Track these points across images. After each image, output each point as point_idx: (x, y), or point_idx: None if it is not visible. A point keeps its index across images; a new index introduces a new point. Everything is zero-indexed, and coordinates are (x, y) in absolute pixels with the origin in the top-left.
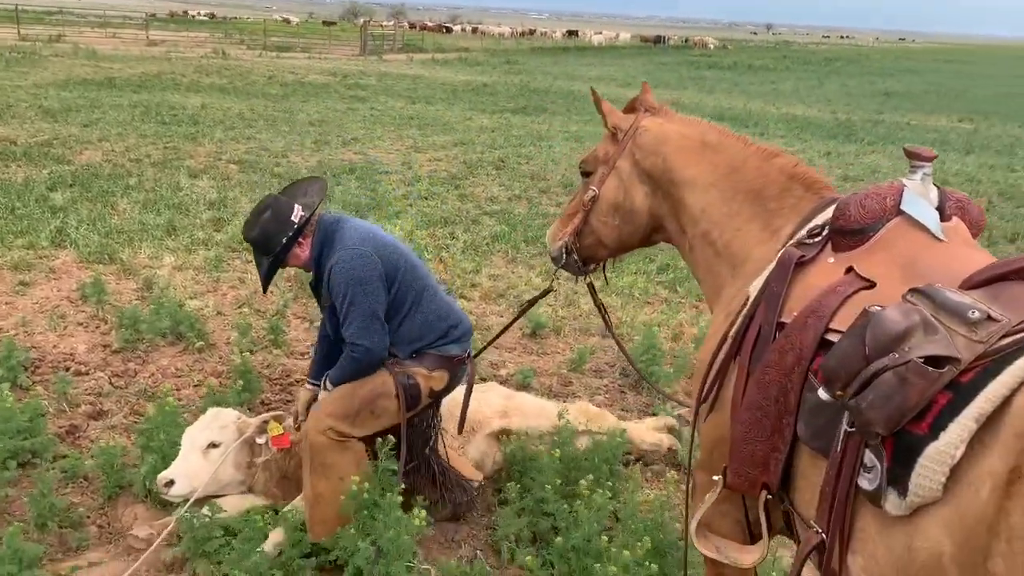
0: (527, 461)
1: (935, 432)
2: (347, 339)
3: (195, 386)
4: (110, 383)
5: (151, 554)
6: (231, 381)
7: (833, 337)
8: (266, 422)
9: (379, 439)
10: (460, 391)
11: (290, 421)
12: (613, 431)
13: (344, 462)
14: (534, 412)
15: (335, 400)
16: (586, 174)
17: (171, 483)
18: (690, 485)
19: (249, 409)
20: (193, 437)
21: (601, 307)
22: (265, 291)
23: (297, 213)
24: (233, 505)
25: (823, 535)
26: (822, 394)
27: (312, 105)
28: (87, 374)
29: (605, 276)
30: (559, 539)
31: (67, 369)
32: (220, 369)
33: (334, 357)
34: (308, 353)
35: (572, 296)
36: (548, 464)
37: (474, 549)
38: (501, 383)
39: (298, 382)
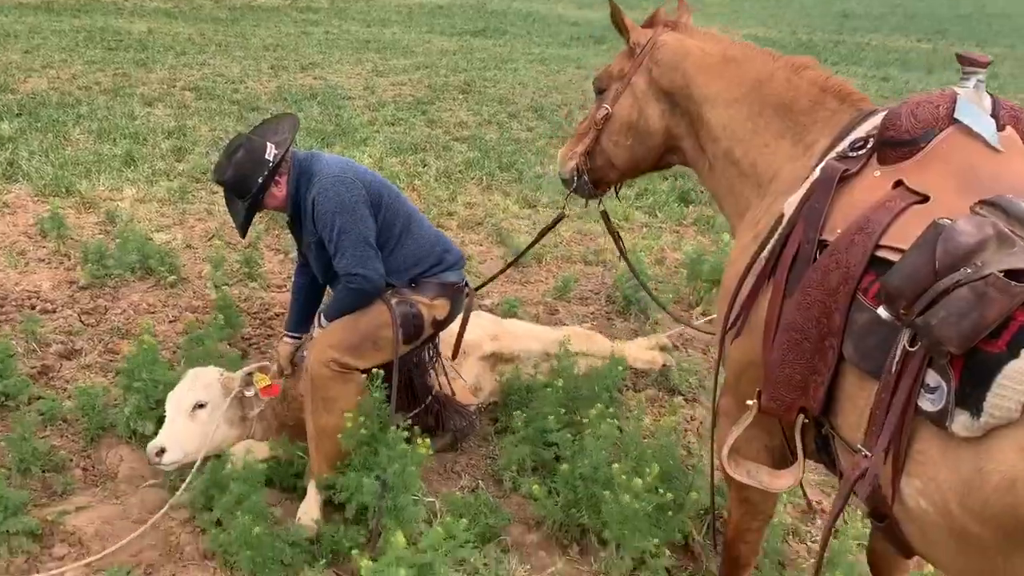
0: (524, 389)
1: (1014, 350)
2: (341, 271)
3: (171, 322)
4: (80, 321)
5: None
6: (209, 316)
7: (884, 255)
8: (250, 375)
9: (371, 372)
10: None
11: (275, 369)
12: (613, 357)
13: (347, 395)
14: (524, 335)
15: (336, 331)
16: (600, 92)
17: (162, 451)
18: (716, 409)
19: (230, 345)
20: (178, 400)
21: (615, 234)
22: (244, 235)
23: (271, 151)
24: (258, 449)
25: (872, 459)
26: (882, 313)
27: (264, 29)
28: (54, 312)
29: (617, 194)
30: (565, 467)
31: (33, 308)
32: (195, 304)
33: (312, 306)
34: (285, 286)
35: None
36: (550, 394)
37: (475, 479)
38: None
39: (278, 315)
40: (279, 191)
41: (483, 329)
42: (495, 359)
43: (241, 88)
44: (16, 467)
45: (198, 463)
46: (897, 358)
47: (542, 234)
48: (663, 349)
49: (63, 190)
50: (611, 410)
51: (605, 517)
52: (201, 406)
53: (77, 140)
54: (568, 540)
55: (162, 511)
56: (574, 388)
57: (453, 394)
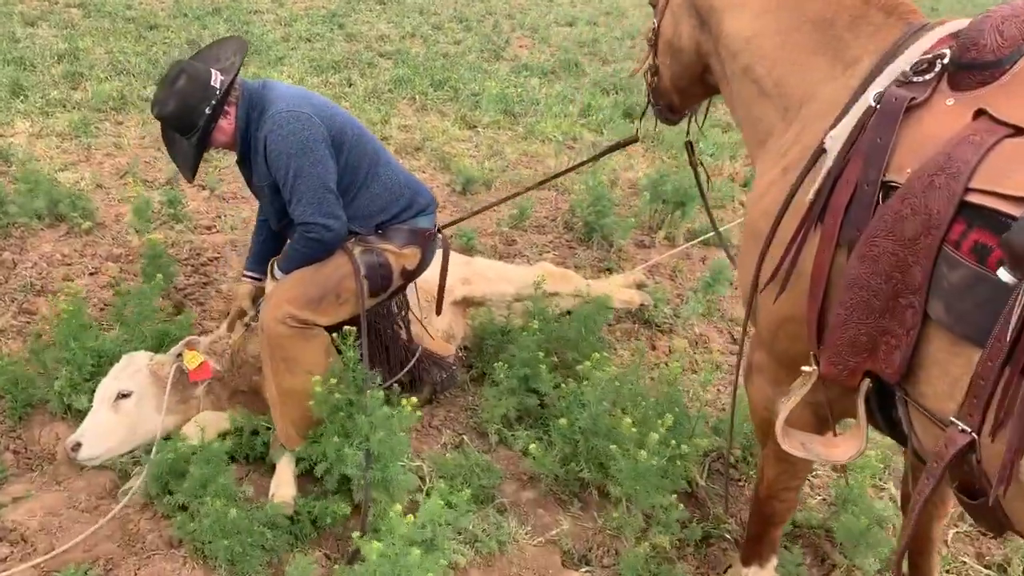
0: (499, 333)
1: None
2: (298, 219)
3: (91, 274)
4: None
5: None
6: (134, 265)
7: (979, 200)
8: (179, 355)
9: (342, 330)
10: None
11: (205, 341)
12: (597, 298)
13: (310, 353)
14: (497, 277)
15: (292, 284)
16: (653, 5)
17: (78, 446)
18: (748, 364)
19: (163, 298)
20: (103, 389)
21: (695, 169)
22: (192, 178)
23: (216, 78)
24: (211, 423)
25: (973, 434)
26: (1003, 276)
27: None
28: None
29: (697, 122)
30: (563, 421)
31: None
32: (116, 252)
33: (278, 242)
34: (215, 227)
35: (496, 146)
36: (530, 339)
37: (457, 434)
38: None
39: (212, 260)
40: (228, 124)
41: (453, 273)
42: (466, 303)
43: (134, 3)
44: None
45: (154, 451)
46: (1014, 324)
47: (603, 153)
48: (640, 286)
49: None
50: (605, 355)
51: (612, 472)
52: (125, 396)
53: None
54: (567, 496)
55: (122, 504)
56: (556, 331)
57: (428, 345)
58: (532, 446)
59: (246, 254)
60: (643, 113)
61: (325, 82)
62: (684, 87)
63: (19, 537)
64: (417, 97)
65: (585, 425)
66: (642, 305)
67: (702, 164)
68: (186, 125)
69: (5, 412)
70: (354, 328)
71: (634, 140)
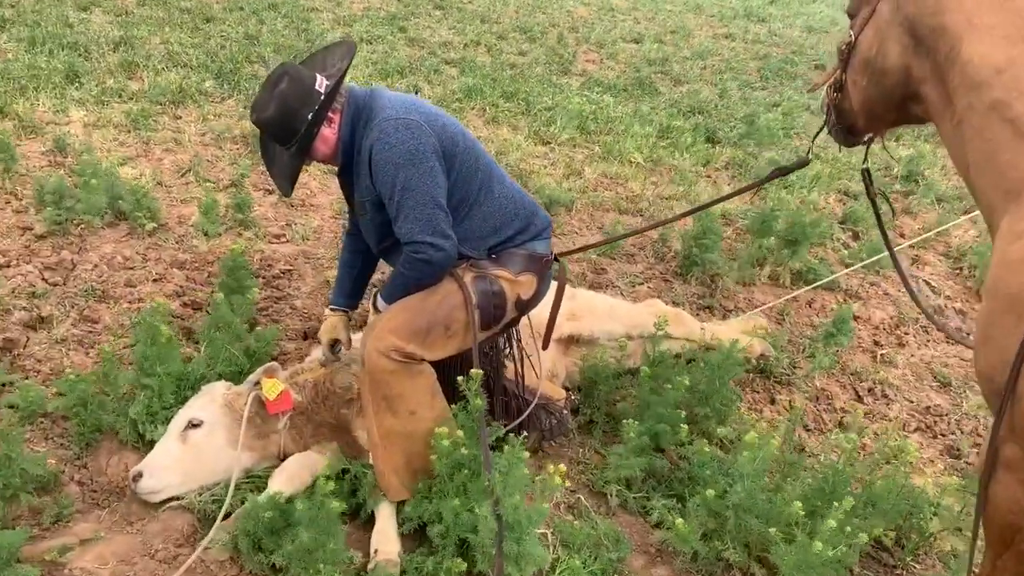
0: (612, 378)
1: None
2: (404, 238)
3: (155, 281)
4: (43, 279)
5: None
6: (199, 272)
7: None
8: (257, 383)
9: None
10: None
11: (283, 372)
12: (731, 346)
13: (415, 392)
14: (604, 313)
15: (397, 313)
16: (851, 16)
17: (139, 476)
18: (993, 458)
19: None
20: (177, 417)
21: (874, 202)
22: (290, 192)
23: (321, 82)
24: (292, 473)
25: None
26: None
27: None
28: (9, 267)
29: (866, 154)
30: (710, 492)
31: None
32: (182, 258)
33: (366, 279)
34: (284, 236)
35: (574, 164)
36: (670, 392)
37: (572, 492)
38: None
39: (284, 273)
40: (331, 133)
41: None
42: (570, 341)
43: None
44: (0, 494)
45: (231, 489)
46: None
47: (768, 179)
48: (758, 332)
49: None
50: (755, 417)
51: (772, 559)
52: (195, 426)
53: (4, 49)
54: None
55: (196, 553)
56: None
57: (536, 386)
58: (679, 522)
59: (320, 267)
60: (816, 134)
61: (390, 86)
62: (876, 112)
63: None
64: (488, 108)
65: (738, 500)
66: (762, 355)
67: (883, 195)
68: (286, 132)
69: (70, 437)
70: (480, 372)
71: (804, 164)
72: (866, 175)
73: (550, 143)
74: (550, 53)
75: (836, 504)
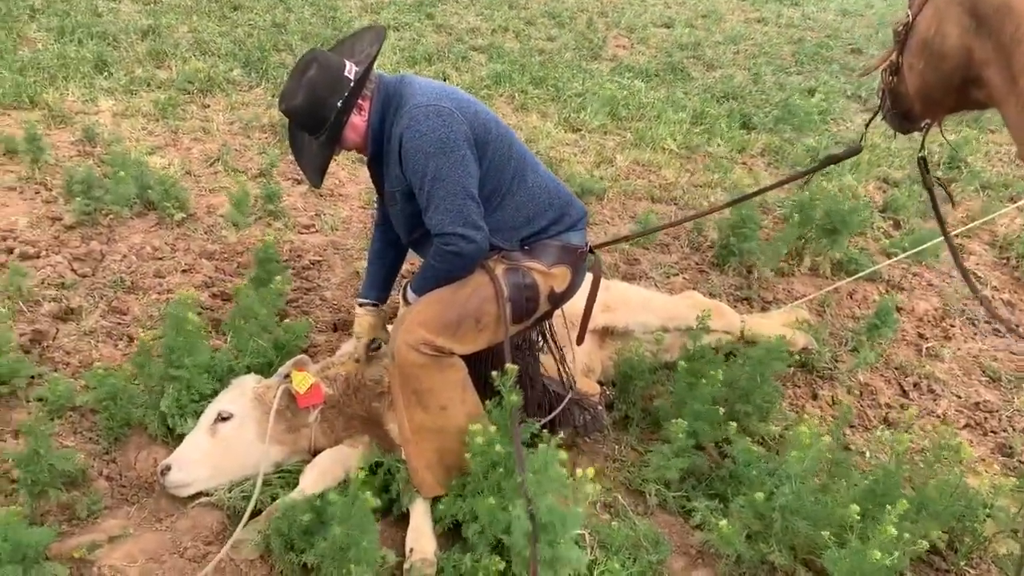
0: (648, 372)
1: None
2: (434, 229)
3: (184, 271)
4: (72, 270)
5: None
6: (228, 263)
7: None
8: (287, 376)
9: (507, 366)
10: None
11: (314, 366)
12: (775, 340)
13: (445, 386)
14: (640, 305)
15: (427, 305)
16: None
17: (167, 470)
18: None
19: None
20: (207, 410)
21: (930, 190)
22: (320, 182)
23: (351, 69)
24: (324, 469)
25: None
26: None
27: None
28: (38, 257)
29: (923, 142)
30: (759, 494)
31: (10, 251)
32: (211, 249)
33: (396, 268)
34: (314, 226)
35: (605, 152)
36: (707, 388)
37: (608, 491)
38: None
39: (313, 264)
40: (360, 121)
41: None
42: (605, 333)
43: None
44: (28, 490)
45: (258, 484)
46: None
47: (820, 167)
48: (801, 325)
49: (26, 100)
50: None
51: (825, 564)
52: (225, 419)
53: (34, 39)
54: None
55: (224, 550)
56: (726, 377)
57: (572, 382)
58: (723, 523)
59: (349, 258)
60: (871, 119)
61: (418, 73)
62: (934, 96)
63: None
64: (516, 95)
65: (786, 502)
66: (805, 349)
67: (940, 183)
68: (315, 120)
69: (99, 431)
70: (515, 367)
71: (857, 151)
72: (922, 163)
73: (580, 130)
74: (579, 38)
75: (890, 508)
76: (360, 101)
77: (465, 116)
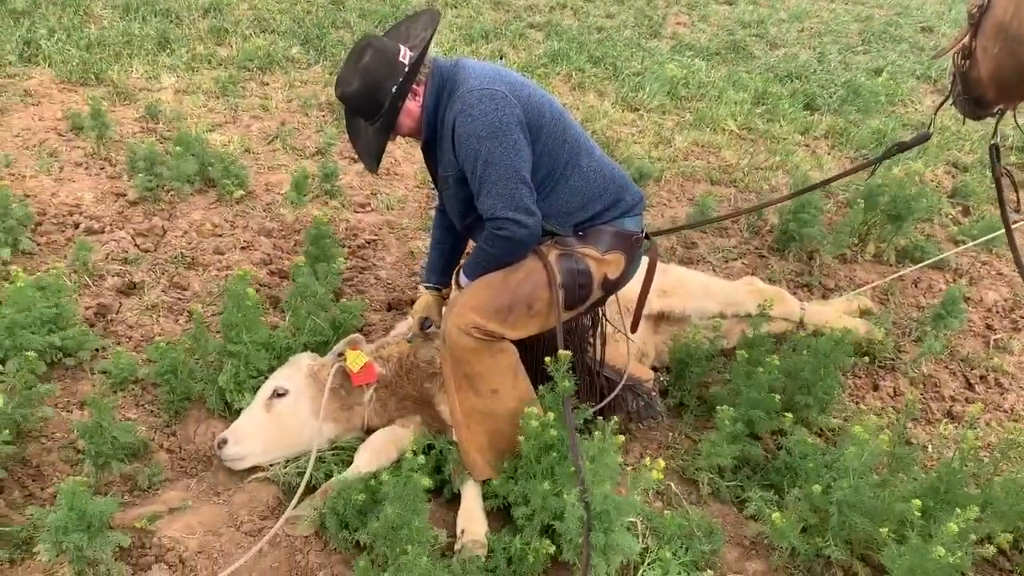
0: (705, 359)
1: None
2: (486, 214)
3: (243, 248)
4: (135, 245)
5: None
6: (287, 241)
7: None
8: (341, 354)
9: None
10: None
11: (368, 346)
12: (841, 331)
13: (496, 370)
14: (697, 290)
15: (479, 290)
16: None
17: (224, 443)
18: None
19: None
20: (265, 386)
21: (998, 180)
22: (375, 168)
23: (405, 54)
24: (377, 448)
25: None
26: None
27: None
28: (102, 233)
29: (995, 129)
30: (816, 487)
31: (76, 226)
32: (269, 226)
33: (457, 252)
34: (370, 205)
35: (663, 132)
36: (764, 376)
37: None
38: None
39: (368, 243)
40: (415, 106)
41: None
42: (660, 318)
43: None
44: (92, 461)
45: (312, 459)
46: None
47: (889, 154)
48: (864, 313)
49: (92, 76)
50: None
51: (884, 560)
52: (280, 395)
53: (100, 16)
54: (803, 574)
55: (278, 524)
56: (786, 367)
57: (624, 367)
58: (776, 515)
59: (404, 237)
60: (940, 104)
61: (474, 52)
62: (1008, 82)
63: (177, 559)
64: (574, 74)
65: (843, 496)
66: (867, 339)
67: (1008, 174)
68: (371, 106)
69: (160, 404)
70: (568, 353)
71: (926, 138)
72: (993, 152)
73: (638, 110)
74: (639, 15)
75: (959, 511)
76: (415, 86)
77: (518, 99)
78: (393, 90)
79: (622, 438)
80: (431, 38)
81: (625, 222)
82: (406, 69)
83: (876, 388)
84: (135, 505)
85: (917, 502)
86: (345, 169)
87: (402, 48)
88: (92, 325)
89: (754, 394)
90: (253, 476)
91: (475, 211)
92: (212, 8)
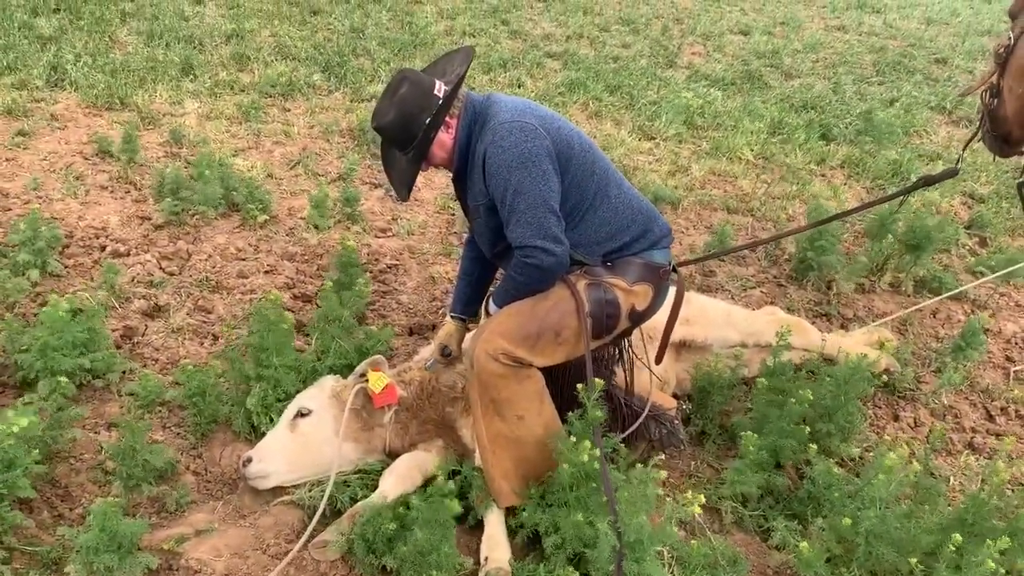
0: (727, 388)
1: None
2: (515, 242)
3: (266, 272)
4: (160, 268)
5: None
6: (309, 265)
7: None
8: (363, 375)
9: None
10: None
11: (391, 369)
12: (858, 359)
13: (523, 397)
14: (719, 319)
15: (507, 316)
16: (1013, 16)
17: (249, 461)
18: None
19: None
20: (290, 407)
21: None
22: (406, 197)
23: (440, 87)
24: (403, 473)
25: None
26: None
27: None
28: (128, 256)
29: None
30: (847, 520)
31: (103, 249)
32: (292, 251)
33: (484, 283)
34: (391, 230)
35: (680, 161)
36: (792, 407)
37: (685, 507)
38: None
39: (390, 268)
40: (448, 137)
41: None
42: (682, 346)
43: None
44: (123, 483)
45: (330, 485)
46: None
47: (915, 187)
48: (883, 346)
49: (117, 101)
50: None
51: None
52: (304, 415)
53: (125, 42)
54: None
55: (299, 545)
56: (815, 398)
57: (647, 395)
58: (803, 545)
59: (425, 262)
60: (969, 141)
61: (492, 81)
62: None
63: None
64: (591, 103)
65: (870, 527)
66: (887, 370)
67: None
68: (405, 136)
69: (187, 427)
70: (601, 381)
71: (954, 173)
72: (1021, 190)
73: (655, 138)
74: (654, 45)
75: (990, 542)
76: (448, 119)
77: (548, 131)
78: (427, 121)
79: (664, 473)
80: (465, 73)
81: (654, 254)
82: (439, 102)
83: (897, 419)
84: (163, 527)
85: (957, 536)
86: (366, 194)
87: (437, 82)
88: (119, 347)
89: (781, 424)
90: (279, 500)
91: (504, 240)
92: (234, 35)
